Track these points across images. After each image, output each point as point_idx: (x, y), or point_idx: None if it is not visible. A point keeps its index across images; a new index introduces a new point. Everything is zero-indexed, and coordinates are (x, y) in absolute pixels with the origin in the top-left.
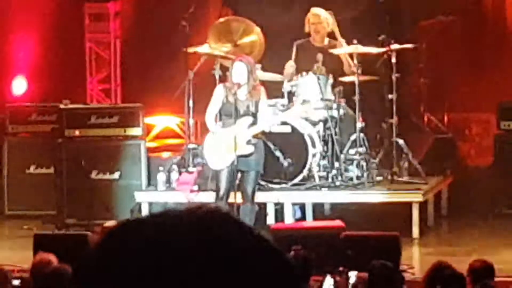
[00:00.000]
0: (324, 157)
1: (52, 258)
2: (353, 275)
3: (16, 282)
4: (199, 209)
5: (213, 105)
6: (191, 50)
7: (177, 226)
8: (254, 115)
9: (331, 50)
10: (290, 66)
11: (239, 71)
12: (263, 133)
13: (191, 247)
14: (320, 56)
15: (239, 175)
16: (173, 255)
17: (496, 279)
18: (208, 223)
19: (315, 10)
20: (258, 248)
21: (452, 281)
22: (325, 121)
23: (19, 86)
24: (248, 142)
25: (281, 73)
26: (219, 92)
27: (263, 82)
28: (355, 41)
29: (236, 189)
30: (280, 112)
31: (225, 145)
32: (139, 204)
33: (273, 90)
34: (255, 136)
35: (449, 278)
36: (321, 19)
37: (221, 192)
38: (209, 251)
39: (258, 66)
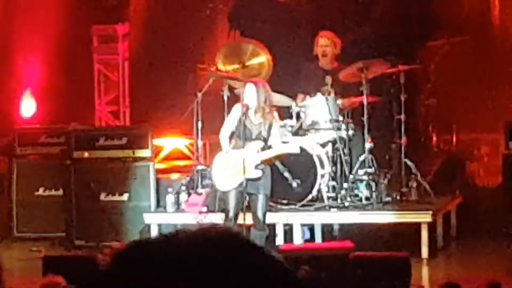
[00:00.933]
0: (333, 178)
1: (60, 280)
2: None
3: None
4: (210, 230)
5: (229, 122)
6: (200, 70)
7: (188, 248)
8: (265, 140)
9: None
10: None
11: (248, 94)
12: (275, 158)
13: (202, 269)
14: (328, 79)
15: (247, 197)
16: (184, 277)
17: None
18: (219, 244)
19: (324, 33)
20: (269, 269)
21: None
22: (334, 142)
23: (27, 108)
24: (256, 167)
25: (288, 95)
26: (236, 111)
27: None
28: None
29: (245, 210)
30: (288, 133)
31: (233, 167)
32: (148, 226)
33: (282, 111)
34: (264, 162)
35: None
36: (329, 42)
37: (231, 213)
38: (221, 272)
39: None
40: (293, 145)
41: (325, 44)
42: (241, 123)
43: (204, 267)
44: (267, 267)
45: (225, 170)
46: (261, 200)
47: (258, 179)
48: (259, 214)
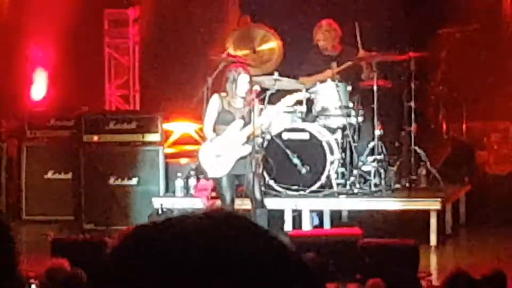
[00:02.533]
0: (342, 165)
1: (65, 263)
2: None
3: (34, 287)
4: (216, 213)
5: (209, 116)
6: (210, 55)
7: (194, 230)
8: (246, 121)
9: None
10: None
11: (244, 83)
12: (260, 135)
13: (208, 252)
14: (334, 64)
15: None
16: (190, 259)
17: None
18: (225, 226)
19: (320, 24)
20: (275, 251)
21: None
22: (343, 128)
23: (38, 91)
24: (244, 144)
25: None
26: (214, 104)
27: (279, 91)
28: (374, 49)
29: (239, 195)
30: (298, 119)
31: (222, 152)
32: (157, 210)
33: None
34: (249, 137)
35: (467, 286)
36: (323, 36)
37: (227, 200)
38: (227, 254)
39: (276, 72)
40: (269, 112)
41: (322, 38)
42: (224, 110)
43: (210, 250)
44: (273, 250)
45: (214, 157)
46: (250, 178)
47: (246, 158)
48: (256, 193)
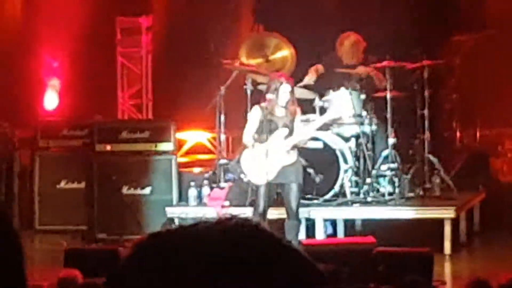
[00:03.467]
0: (356, 173)
1: (77, 273)
2: None
3: None
4: (230, 220)
5: (250, 127)
6: (223, 64)
7: (207, 237)
8: (290, 130)
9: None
10: (309, 78)
11: (286, 93)
12: (299, 147)
13: (221, 258)
14: (353, 73)
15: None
16: (203, 266)
17: None
18: (238, 233)
19: (346, 36)
20: (289, 259)
21: None
22: (357, 137)
23: (50, 100)
24: (288, 152)
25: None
26: (255, 114)
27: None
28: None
29: (275, 204)
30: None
31: (265, 159)
32: (171, 219)
33: (305, 105)
34: (294, 147)
35: None
36: (351, 46)
37: (260, 208)
38: (239, 261)
39: None
40: (313, 127)
41: (346, 51)
42: (266, 120)
43: (222, 257)
44: (285, 257)
45: (257, 164)
46: (294, 190)
47: (290, 167)
48: (293, 204)
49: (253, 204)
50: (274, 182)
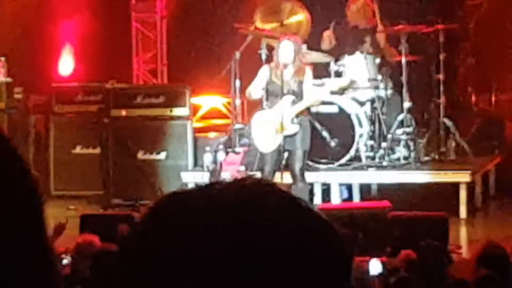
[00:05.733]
0: (371, 137)
1: (95, 239)
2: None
3: (65, 261)
4: (244, 180)
5: (255, 81)
6: (238, 29)
7: (222, 197)
8: (297, 94)
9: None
10: (326, 36)
11: (286, 50)
12: (308, 111)
13: (237, 217)
14: (368, 38)
15: (285, 155)
16: (219, 225)
17: None
18: (253, 193)
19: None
20: (304, 217)
21: (502, 261)
22: (372, 101)
23: (65, 66)
24: (293, 121)
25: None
26: (263, 73)
27: (310, 63)
28: (402, 22)
29: (282, 169)
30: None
31: (271, 126)
32: (186, 184)
33: (320, 69)
34: (299, 114)
35: (499, 258)
36: (359, 7)
37: (266, 172)
38: (254, 219)
39: (304, 46)
40: (323, 92)
41: (356, 11)
42: (273, 82)
43: (238, 217)
44: (303, 216)
45: (263, 131)
46: (298, 155)
47: (296, 134)
48: (296, 169)
49: (260, 169)
50: (279, 149)
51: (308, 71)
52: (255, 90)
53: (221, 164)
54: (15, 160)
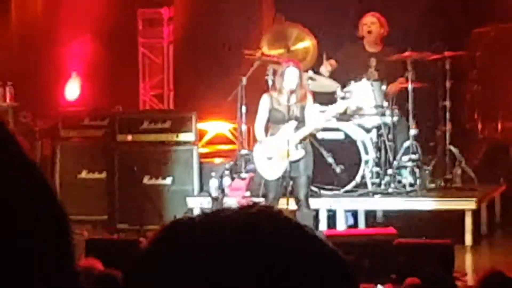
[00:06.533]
0: (377, 164)
1: (97, 263)
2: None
3: None
4: (251, 208)
5: (260, 116)
6: (245, 55)
7: (228, 224)
8: (300, 120)
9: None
10: (324, 68)
11: (292, 76)
12: (314, 137)
13: (242, 245)
14: (373, 61)
15: (290, 182)
16: (224, 253)
17: None
18: (260, 220)
19: (371, 13)
20: (311, 246)
21: None
22: (378, 128)
23: (72, 91)
24: (297, 147)
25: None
26: (264, 102)
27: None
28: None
29: (287, 195)
30: (333, 119)
31: (275, 153)
32: (191, 210)
33: (326, 96)
34: (302, 140)
35: (502, 286)
36: (375, 20)
37: (270, 199)
38: (261, 248)
39: (311, 72)
40: (326, 116)
41: (370, 21)
42: (274, 109)
43: (243, 244)
44: (309, 244)
45: (267, 159)
46: (303, 182)
47: (300, 160)
48: (301, 195)
49: (265, 196)
50: (283, 176)
51: (309, 97)
52: (260, 131)
53: (223, 190)
54: (16, 150)
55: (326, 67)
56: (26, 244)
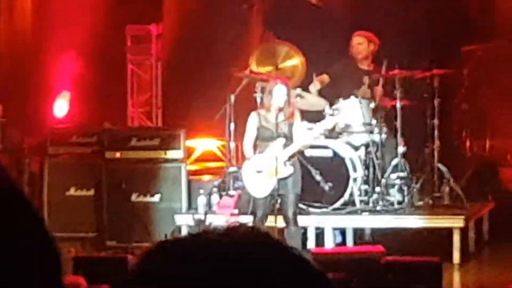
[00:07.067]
0: (365, 182)
1: (81, 281)
2: None
3: None
4: (238, 229)
5: (248, 134)
6: (233, 72)
7: (215, 245)
8: (288, 137)
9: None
10: (313, 86)
11: (280, 94)
12: (303, 154)
13: (228, 267)
14: (366, 79)
15: (278, 200)
16: (210, 275)
17: None
18: (246, 242)
19: (359, 32)
20: (297, 268)
21: None
22: (366, 145)
23: (60, 107)
24: (285, 164)
25: (322, 96)
26: (252, 120)
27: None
28: (397, 66)
29: (275, 213)
30: (321, 136)
31: (264, 171)
32: (179, 227)
33: (315, 114)
34: (291, 157)
35: None
36: (363, 40)
37: (259, 214)
38: (247, 270)
39: (299, 89)
40: (314, 133)
41: (357, 42)
42: (263, 127)
43: (229, 266)
44: (293, 266)
45: (256, 177)
46: (291, 199)
47: (288, 176)
48: (289, 213)
49: (253, 213)
50: (272, 193)
51: (297, 114)
52: (249, 149)
53: (208, 208)
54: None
55: (315, 86)
56: (12, 261)
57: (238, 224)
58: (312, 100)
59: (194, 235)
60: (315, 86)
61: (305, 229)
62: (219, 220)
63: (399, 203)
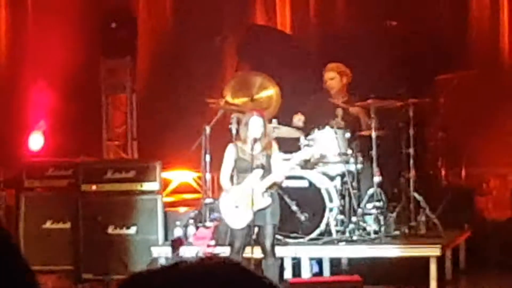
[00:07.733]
0: (341, 212)
1: None
2: None
3: None
4: (210, 260)
5: (225, 166)
6: (208, 103)
7: (187, 277)
8: (265, 168)
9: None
10: (298, 119)
11: (256, 125)
12: (277, 185)
13: None
14: (339, 111)
15: (255, 229)
16: None
17: None
18: (218, 273)
19: (330, 66)
20: None
21: None
22: (342, 175)
23: (36, 141)
24: (263, 195)
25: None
26: (230, 152)
27: (277, 138)
28: (372, 95)
29: (253, 244)
30: (297, 167)
31: (242, 202)
32: (156, 259)
33: (290, 145)
34: (269, 188)
35: None
36: (334, 74)
37: (236, 245)
38: None
39: (275, 120)
40: (290, 164)
41: (330, 77)
42: (240, 158)
43: None
44: None
45: (234, 208)
46: (269, 231)
47: (267, 207)
48: (267, 244)
49: (231, 244)
50: (249, 224)
51: (275, 145)
52: (226, 180)
53: (181, 240)
54: None
55: (299, 119)
56: None
57: (210, 256)
58: (286, 132)
59: (167, 267)
60: (300, 119)
61: (282, 260)
62: (192, 251)
63: (376, 232)
